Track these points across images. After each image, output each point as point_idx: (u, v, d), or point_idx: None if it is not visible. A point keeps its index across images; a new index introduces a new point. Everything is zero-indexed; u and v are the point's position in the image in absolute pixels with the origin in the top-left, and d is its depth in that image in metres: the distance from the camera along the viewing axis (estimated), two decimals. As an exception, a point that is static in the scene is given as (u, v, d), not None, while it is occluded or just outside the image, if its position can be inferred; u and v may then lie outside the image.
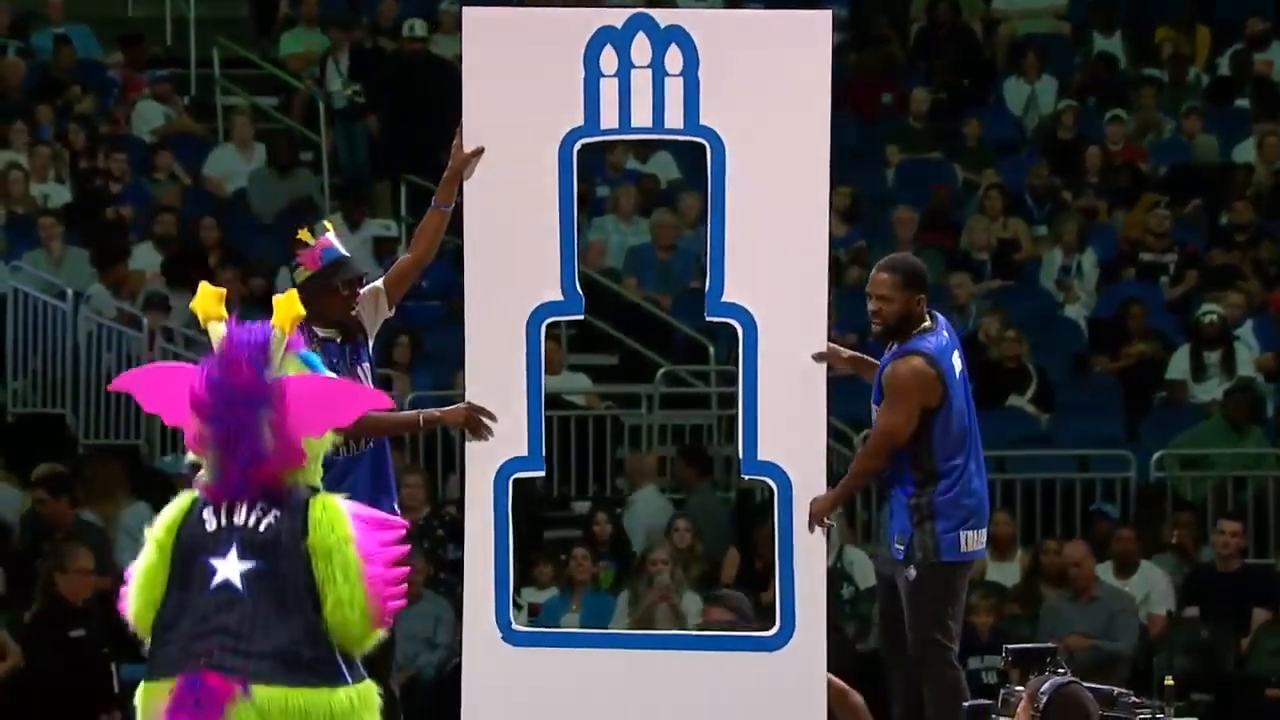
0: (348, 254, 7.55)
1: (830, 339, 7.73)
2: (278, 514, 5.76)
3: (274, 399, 5.74)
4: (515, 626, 7.64)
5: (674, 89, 7.58)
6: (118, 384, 5.99)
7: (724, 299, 7.66)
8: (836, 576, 12.60)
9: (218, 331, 5.85)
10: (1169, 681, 7.77)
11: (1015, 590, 12.95)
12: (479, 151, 7.55)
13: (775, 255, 7.59)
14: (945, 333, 7.61)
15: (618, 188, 16.44)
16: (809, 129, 7.58)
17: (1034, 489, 14.28)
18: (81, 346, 14.74)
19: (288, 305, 5.84)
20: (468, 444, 7.59)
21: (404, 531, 5.88)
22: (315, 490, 5.82)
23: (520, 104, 7.58)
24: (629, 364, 15.60)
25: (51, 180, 15.97)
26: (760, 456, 7.58)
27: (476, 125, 7.57)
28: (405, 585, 5.82)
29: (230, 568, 5.72)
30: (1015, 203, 16.63)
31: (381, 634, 5.81)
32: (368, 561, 5.73)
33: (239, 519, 5.76)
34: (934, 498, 7.50)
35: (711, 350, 14.79)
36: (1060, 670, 6.45)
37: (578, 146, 7.60)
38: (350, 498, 5.92)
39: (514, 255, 7.61)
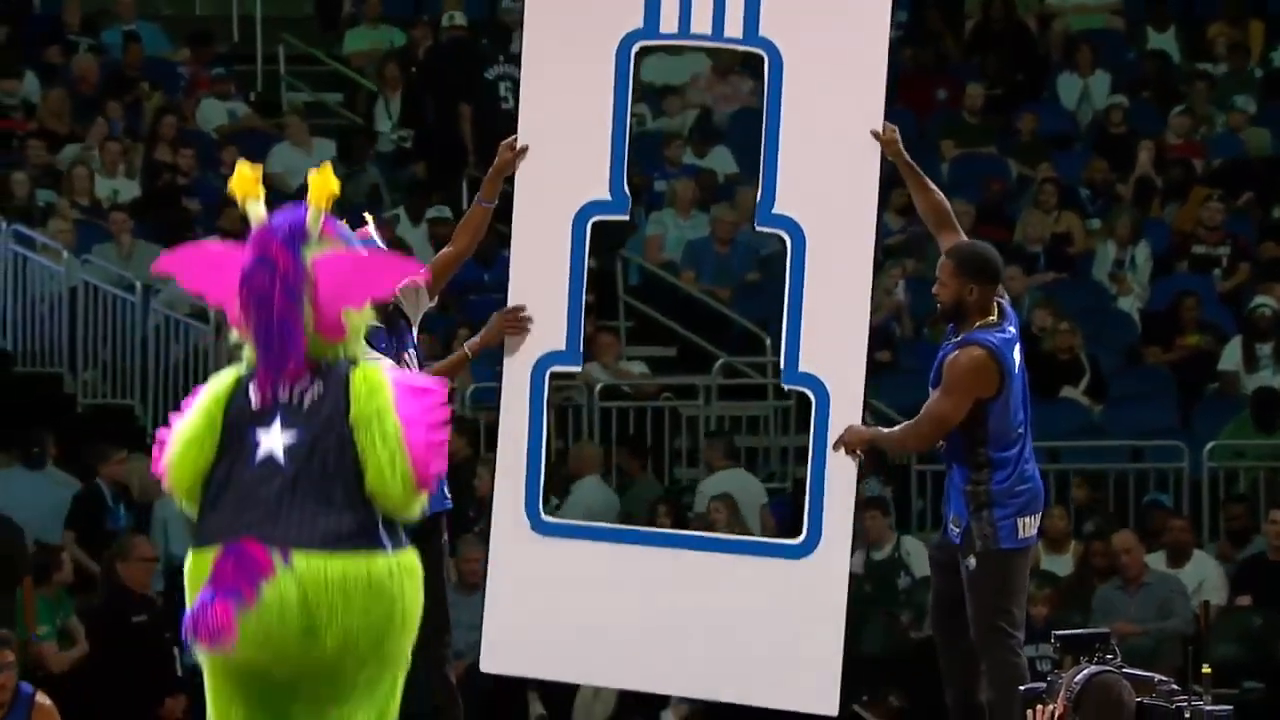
0: (383, 246, 7.59)
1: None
2: (320, 388, 5.77)
3: (312, 275, 5.76)
4: (544, 517, 7.66)
5: None
6: (160, 266, 6.02)
7: (774, 210, 7.67)
8: (893, 566, 12.76)
9: (256, 211, 5.87)
10: (1206, 670, 7.83)
11: (1068, 580, 13.08)
12: (524, 150, 7.67)
13: (827, 169, 7.60)
14: (1011, 328, 7.61)
15: (676, 182, 16.59)
16: (868, 44, 7.61)
17: (1087, 479, 14.40)
18: (150, 339, 14.97)
19: (323, 183, 5.86)
20: (506, 338, 7.61)
21: (444, 395, 5.86)
22: (356, 363, 5.82)
23: (581, 4, 7.65)
24: (687, 355, 15.76)
25: (121, 175, 16.22)
26: (801, 368, 7.63)
27: (537, 25, 7.65)
28: (445, 447, 5.80)
29: (274, 441, 5.75)
30: (1069, 196, 16.75)
31: (424, 500, 5.79)
32: (408, 426, 5.72)
33: (282, 394, 5.77)
34: (990, 486, 7.52)
35: (768, 342, 14.95)
36: (1109, 657, 6.41)
37: (635, 49, 7.64)
38: None
39: (565, 154, 7.64)
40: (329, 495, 5.74)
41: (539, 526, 7.65)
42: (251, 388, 5.83)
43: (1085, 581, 13.00)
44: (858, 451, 7.65)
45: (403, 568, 5.82)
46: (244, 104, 17.51)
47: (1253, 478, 14.53)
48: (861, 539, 12.01)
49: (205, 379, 16.55)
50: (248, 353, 5.86)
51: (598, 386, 14.73)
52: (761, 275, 15.68)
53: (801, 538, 7.67)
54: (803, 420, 14.07)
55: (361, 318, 5.87)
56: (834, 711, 7.71)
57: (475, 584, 11.32)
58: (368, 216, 7.69)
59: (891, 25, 19.94)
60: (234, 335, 5.89)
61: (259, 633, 5.69)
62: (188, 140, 16.68)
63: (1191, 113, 17.46)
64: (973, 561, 7.53)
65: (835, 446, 7.62)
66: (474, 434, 13.69)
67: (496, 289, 8.91)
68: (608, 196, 7.70)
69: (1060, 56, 18.21)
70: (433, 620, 7.25)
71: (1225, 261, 16.19)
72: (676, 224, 16.39)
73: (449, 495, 7.40)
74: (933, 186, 7.81)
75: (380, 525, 5.78)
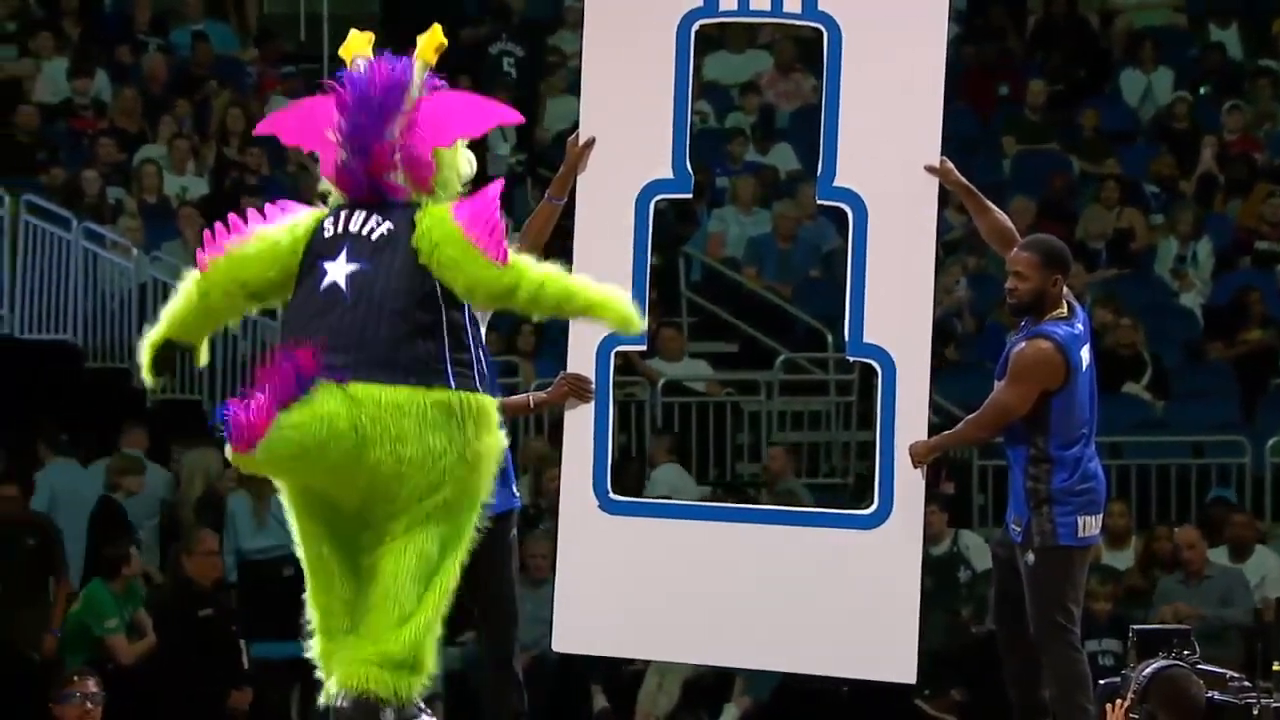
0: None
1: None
2: (390, 222, 5.82)
3: (408, 113, 5.82)
4: (612, 496, 7.69)
5: None
6: (261, 128, 6.13)
7: (835, 183, 7.71)
8: (953, 561, 12.81)
9: (360, 63, 5.95)
10: (1277, 666, 7.80)
11: (1130, 574, 13.11)
12: (591, 143, 7.70)
13: (888, 141, 7.62)
14: (1080, 325, 7.63)
15: (738, 178, 16.67)
16: (927, 17, 7.64)
17: (1149, 475, 14.43)
18: (218, 335, 15.04)
19: (431, 37, 5.95)
20: (571, 321, 7.53)
21: (497, 189, 5.86)
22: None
23: None
24: (749, 351, 15.83)
25: (190, 173, 16.38)
26: (866, 339, 7.66)
27: (598, 6, 7.70)
28: (498, 219, 5.76)
29: (338, 270, 5.79)
30: (1131, 192, 16.76)
31: (513, 273, 5.73)
32: (465, 224, 5.73)
33: (354, 225, 5.83)
34: (1051, 483, 7.54)
35: (830, 338, 15.01)
36: (1186, 653, 6.42)
37: (696, 28, 7.68)
38: None
39: (627, 134, 7.67)
40: (390, 325, 5.75)
41: (608, 506, 7.68)
42: (328, 222, 5.88)
43: (1147, 575, 13.02)
44: (926, 464, 7.68)
45: (466, 404, 5.79)
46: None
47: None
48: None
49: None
50: (333, 195, 5.92)
51: (660, 382, 14.82)
52: (823, 271, 15.75)
53: (873, 508, 7.71)
54: (864, 416, 14.24)
55: (451, 155, 5.90)
56: (912, 679, 7.77)
57: (541, 578, 11.42)
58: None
59: (954, 21, 20.02)
60: (322, 183, 5.95)
61: (306, 443, 5.63)
62: (256, 138, 16.81)
63: (1254, 108, 17.44)
64: (1032, 558, 7.56)
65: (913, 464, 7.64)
66: (539, 429, 13.81)
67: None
68: (670, 175, 7.74)
69: (1122, 52, 18.21)
70: (500, 614, 7.40)
71: (1288, 257, 16.19)
72: (738, 220, 16.46)
73: (517, 494, 7.43)
74: (993, 207, 7.84)
75: (447, 363, 5.80)
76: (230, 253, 5.94)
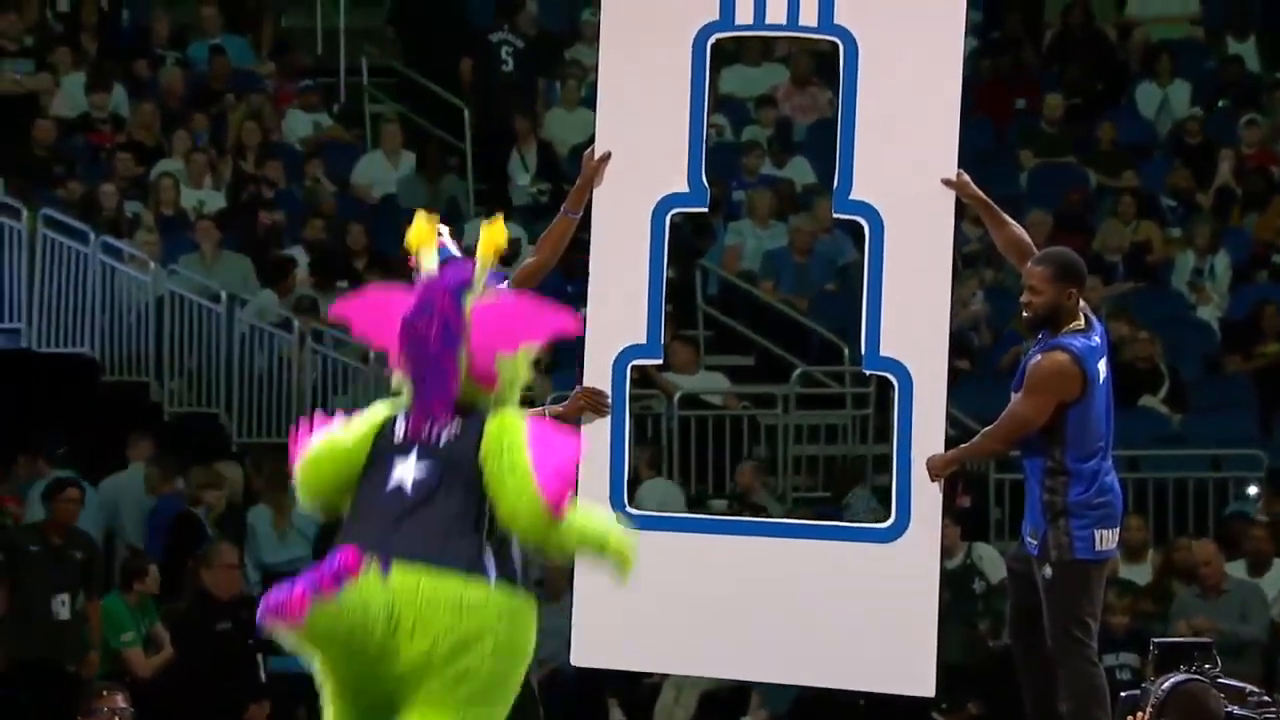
0: (459, 255, 7.79)
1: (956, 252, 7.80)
2: (459, 428, 5.95)
3: (470, 323, 5.96)
4: (630, 510, 7.70)
5: None
6: (334, 313, 6.27)
7: (852, 196, 7.72)
8: (968, 573, 12.79)
9: (428, 261, 6.10)
10: None
11: (1148, 588, 13.09)
12: (607, 157, 7.73)
13: (904, 154, 7.63)
14: (1098, 338, 7.62)
15: (754, 192, 16.68)
16: (943, 29, 7.64)
17: (1166, 488, 14.41)
18: (235, 348, 15.14)
19: (492, 235, 6.08)
20: (588, 333, 7.67)
21: (578, 444, 6.02)
22: (501, 408, 5.98)
23: None
24: (765, 365, 15.83)
25: (207, 186, 16.42)
26: (882, 352, 7.67)
27: (613, 17, 7.73)
28: (573, 486, 5.90)
29: (406, 472, 5.93)
30: (1148, 206, 16.74)
31: (562, 532, 5.87)
32: (538, 462, 5.86)
33: (424, 431, 5.97)
34: (1068, 496, 7.53)
35: (846, 351, 15.01)
36: (1208, 666, 6.34)
37: (712, 41, 7.71)
38: None
39: (643, 147, 7.69)
40: (445, 526, 5.90)
41: (625, 518, 7.72)
42: (399, 421, 6.03)
43: (1164, 589, 13.01)
44: (943, 479, 7.68)
45: (501, 602, 5.92)
46: (328, 116, 17.68)
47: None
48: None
49: (289, 388, 16.79)
50: (405, 392, 6.06)
51: (676, 395, 14.82)
52: (839, 285, 15.74)
53: (890, 521, 7.72)
54: (880, 430, 14.23)
55: (513, 364, 6.02)
56: (931, 693, 7.76)
57: (557, 592, 11.42)
58: (442, 228, 7.80)
59: (971, 34, 20.01)
60: (395, 378, 6.08)
61: (340, 628, 5.79)
62: (273, 152, 16.86)
63: (1271, 121, 17.42)
64: (1049, 571, 7.56)
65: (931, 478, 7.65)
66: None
67: (581, 300, 9.02)
68: (686, 189, 7.77)
69: (1139, 66, 18.20)
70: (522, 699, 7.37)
71: (1306, 271, 16.17)
72: (755, 234, 16.46)
73: None
74: (1009, 220, 7.84)
75: (490, 562, 5.92)
76: (305, 463, 6.10)
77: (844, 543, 7.78)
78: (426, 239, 6.15)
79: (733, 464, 14.80)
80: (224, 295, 15.14)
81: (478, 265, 6.06)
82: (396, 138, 17.06)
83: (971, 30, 18.37)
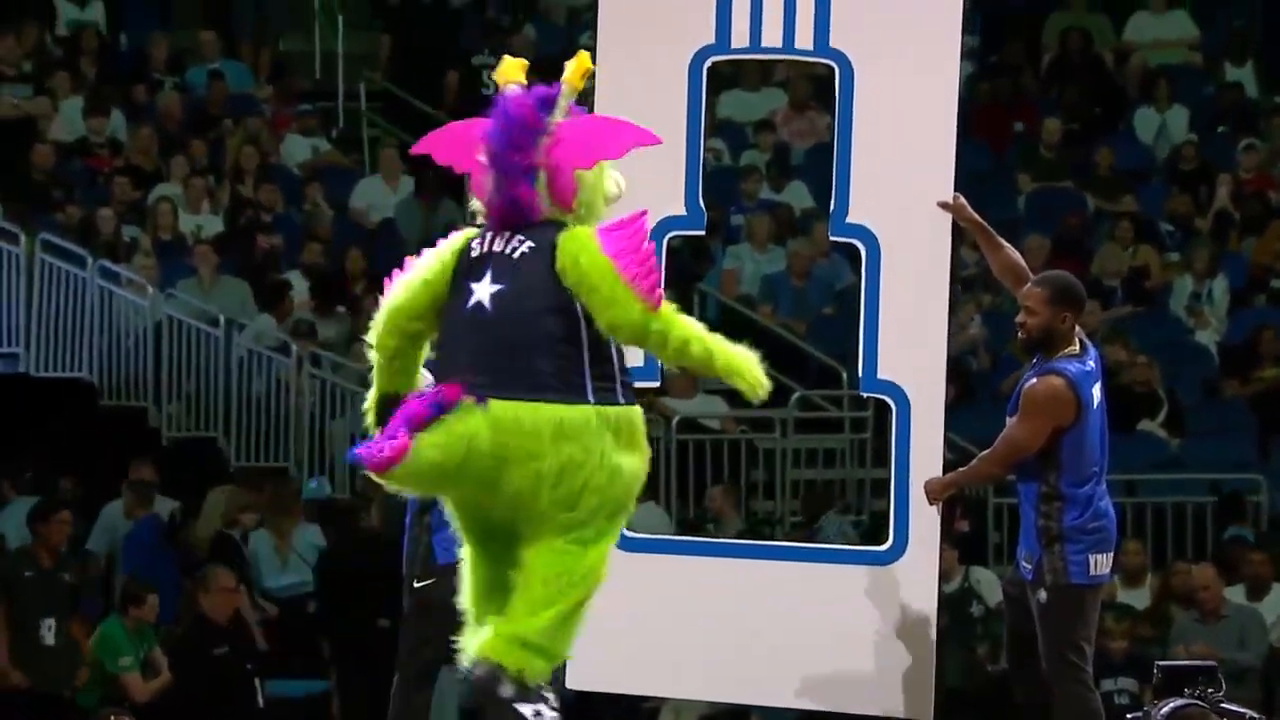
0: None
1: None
2: (532, 244, 5.97)
3: (552, 136, 5.99)
4: (627, 533, 7.58)
5: (805, 10, 7.69)
6: (419, 148, 6.28)
7: (848, 220, 7.75)
8: (965, 597, 12.78)
9: (512, 89, 6.15)
10: None
11: (1146, 612, 13.08)
12: None
13: (901, 178, 7.65)
14: (1092, 362, 7.62)
15: (752, 216, 16.69)
16: (939, 53, 7.67)
17: (1165, 512, 14.40)
18: (233, 372, 15.15)
19: (579, 62, 6.13)
20: None
21: (643, 219, 6.02)
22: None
23: (652, 21, 7.74)
24: (764, 389, 15.79)
25: (205, 211, 16.43)
26: (880, 376, 7.69)
27: (609, 41, 7.76)
28: (653, 260, 5.91)
29: (483, 290, 5.96)
30: (1146, 230, 16.76)
31: (662, 322, 5.87)
32: (617, 258, 5.87)
33: (498, 245, 5.99)
34: (1063, 520, 7.53)
35: (844, 375, 15.02)
36: (1211, 690, 6.38)
37: (708, 64, 7.74)
38: None
39: (640, 171, 7.68)
40: (530, 343, 5.89)
41: (624, 542, 7.63)
42: (475, 242, 6.04)
43: (1163, 613, 13.00)
44: (941, 502, 7.70)
45: (604, 417, 5.93)
46: (326, 140, 17.70)
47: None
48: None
49: (288, 411, 16.73)
50: (480, 213, 6.09)
51: (675, 419, 14.82)
52: (837, 309, 15.75)
53: (888, 544, 7.73)
54: (878, 453, 14.22)
55: (593, 178, 6.04)
56: (929, 717, 7.77)
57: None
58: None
59: (969, 58, 19.91)
60: (473, 202, 6.11)
61: (445, 462, 5.83)
62: (271, 176, 16.88)
63: (1269, 146, 17.44)
64: (1044, 595, 7.55)
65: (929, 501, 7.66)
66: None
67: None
68: (684, 212, 7.80)
69: (1138, 91, 18.22)
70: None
71: (1304, 295, 16.19)
72: (753, 258, 16.48)
73: None
74: (1005, 244, 7.85)
75: (586, 377, 5.92)
76: (388, 304, 6.11)
77: (842, 565, 7.78)
78: (513, 73, 6.18)
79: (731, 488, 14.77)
80: (222, 319, 15.14)
81: (563, 88, 6.08)
82: (395, 162, 17.07)
83: (970, 54, 18.43)
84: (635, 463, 6.00)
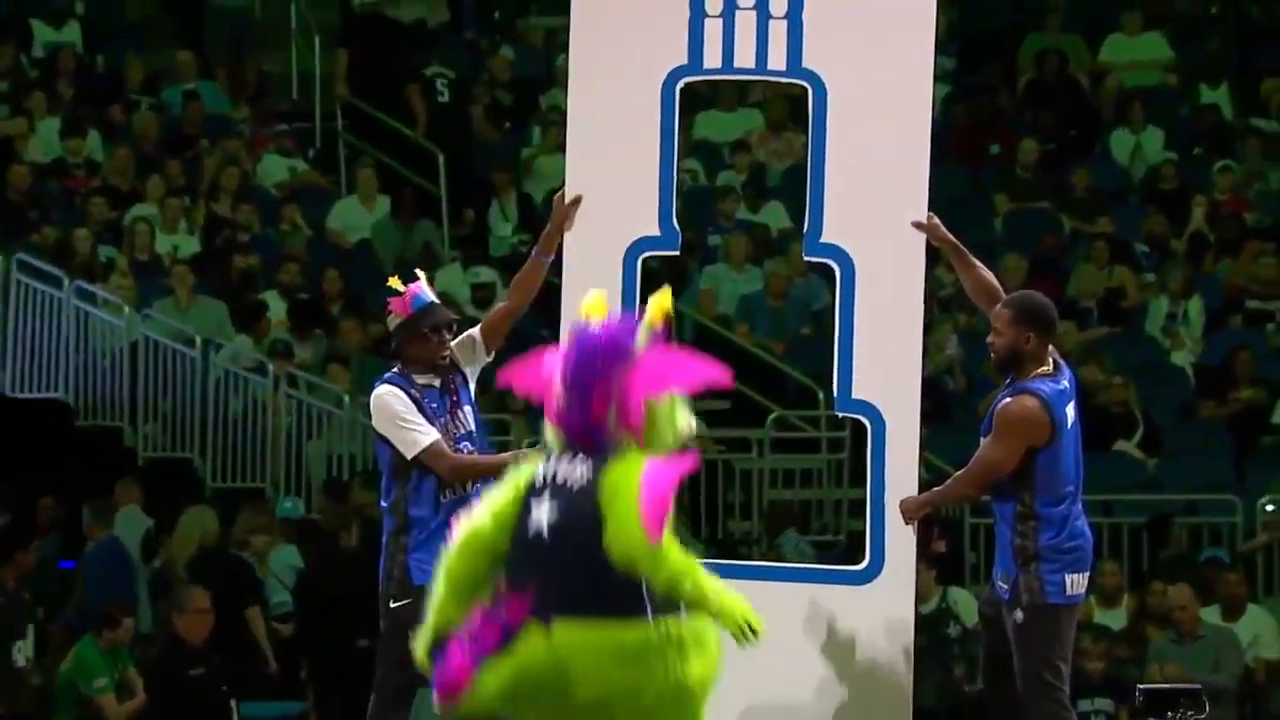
0: (437, 301, 7.65)
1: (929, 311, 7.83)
2: (590, 466, 6.07)
3: (628, 366, 6.08)
4: None
5: (777, 31, 7.71)
6: (502, 379, 6.36)
7: (822, 240, 7.76)
8: (943, 617, 12.79)
9: (596, 319, 6.24)
10: None
11: (1123, 632, 13.09)
12: (577, 201, 7.75)
13: (875, 198, 7.67)
14: (1066, 382, 7.62)
15: (729, 236, 16.71)
16: (912, 73, 7.67)
17: (1140, 533, 14.42)
18: (210, 392, 15.12)
19: (661, 302, 6.25)
20: None
21: (688, 465, 6.08)
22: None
23: (625, 42, 7.74)
24: (740, 409, 15.84)
25: (182, 231, 16.42)
26: (855, 395, 7.71)
27: (582, 62, 7.77)
28: (669, 502, 5.97)
29: (543, 515, 6.07)
30: (1121, 251, 16.80)
31: (656, 558, 5.92)
32: (644, 487, 5.96)
33: (561, 470, 6.10)
34: (1039, 540, 7.54)
35: (821, 395, 15.03)
36: (1190, 713, 6.37)
37: (681, 85, 7.74)
38: None
39: (614, 191, 7.72)
40: (586, 565, 5.98)
41: None
42: (542, 467, 6.17)
43: (1139, 633, 13.01)
44: (917, 521, 7.71)
45: (667, 634, 6.01)
46: (303, 161, 17.69)
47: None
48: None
49: (263, 432, 16.69)
50: (552, 440, 6.19)
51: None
52: (814, 329, 15.77)
53: (864, 564, 7.73)
54: (856, 473, 14.23)
55: (665, 409, 6.14)
56: None
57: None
58: (419, 273, 7.79)
59: (945, 80, 19.92)
60: (548, 430, 6.19)
61: (508, 691, 5.97)
62: (247, 196, 16.87)
63: (1244, 168, 17.50)
64: (1020, 615, 7.56)
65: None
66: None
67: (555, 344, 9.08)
68: (657, 232, 7.81)
69: (1113, 112, 18.28)
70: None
71: (1279, 316, 16.21)
72: (730, 278, 16.49)
73: None
74: (978, 264, 7.86)
75: (644, 593, 6.00)
76: (469, 532, 6.22)
77: (818, 585, 7.78)
78: (599, 309, 6.28)
79: (708, 508, 14.79)
80: (198, 340, 15.12)
81: (644, 326, 6.20)
82: (372, 182, 17.07)
83: (946, 76, 18.48)
84: (703, 671, 6.08)
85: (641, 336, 6.18)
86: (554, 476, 6.10)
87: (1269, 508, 14.43)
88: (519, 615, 5.98)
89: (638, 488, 5.96)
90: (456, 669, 5.95)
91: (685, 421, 6.23)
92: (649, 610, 6.00)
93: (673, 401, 6.18)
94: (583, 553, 5.98)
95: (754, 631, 6.08)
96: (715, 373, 6.21)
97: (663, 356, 6.18)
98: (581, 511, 6.02)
